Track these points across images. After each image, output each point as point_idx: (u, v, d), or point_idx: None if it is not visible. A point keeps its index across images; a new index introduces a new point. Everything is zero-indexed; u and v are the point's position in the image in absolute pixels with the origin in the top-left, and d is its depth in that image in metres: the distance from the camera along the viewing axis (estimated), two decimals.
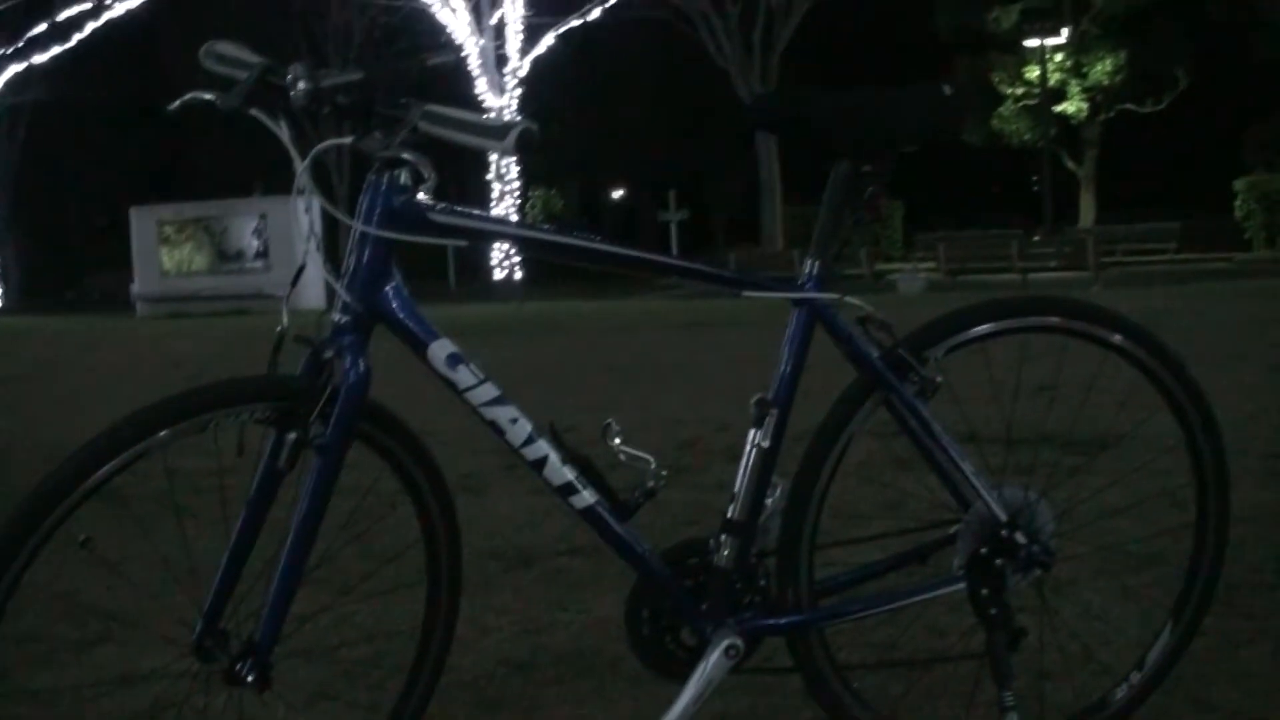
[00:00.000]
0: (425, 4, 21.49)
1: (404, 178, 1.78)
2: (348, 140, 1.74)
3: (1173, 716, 2.40)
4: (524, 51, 21.95)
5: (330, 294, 1.83)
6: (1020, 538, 2.09)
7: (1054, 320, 2.14)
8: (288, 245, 24.02)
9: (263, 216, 25.08)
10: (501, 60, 21.81)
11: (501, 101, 22.01)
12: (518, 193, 23.85)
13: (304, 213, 1.78)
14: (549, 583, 3.58)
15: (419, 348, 1.87)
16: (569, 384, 8.74)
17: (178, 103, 1.88)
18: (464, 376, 1.89)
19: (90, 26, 27.78)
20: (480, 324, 14.99)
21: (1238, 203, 32.97)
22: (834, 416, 2.05)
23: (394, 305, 1.85)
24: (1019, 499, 2.12)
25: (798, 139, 2.03)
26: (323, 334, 1.83)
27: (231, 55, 1.87)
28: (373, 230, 1.79)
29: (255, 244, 25.01)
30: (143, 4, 27.55)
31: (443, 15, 21.56)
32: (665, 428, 6.26)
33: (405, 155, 1.69)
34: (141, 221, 26.08)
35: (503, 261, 22.57)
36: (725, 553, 2.03)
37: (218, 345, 14.72)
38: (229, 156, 33.44)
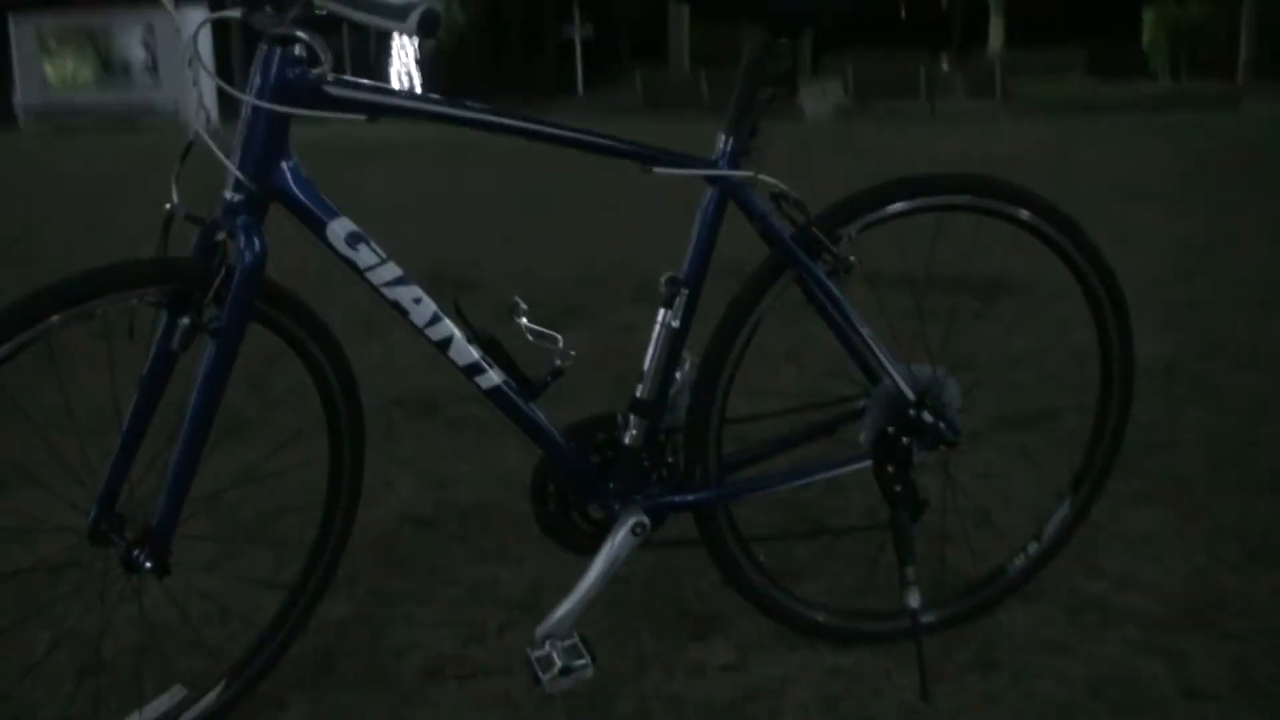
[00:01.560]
0: None
1: (299, 50, 1.67)
2: (236, 14, 1.62)
3: (1066, 579, 2.47)
4: None
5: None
6: (927, 417, 2.09)
7: (966, 198, 2.11)
8: (177, 57, 23.14)
9: (149, 26, 23.95)
10: None
11: None
12: None
13: (193, 85, 1.67)
14: (453, 432, 3.55)
15: (318, 227, 1.79)
16: (479, 214, 8.62)
17: None
18: (365, 256, 1.81)
19: None
20: (387, 143, 14.62)
21: (1145, 32, 33.01)
22: (745, 294, 2.02)
23: (290, 182, 1.76)
24: (928, 376, 2.12)
25: (714, 10, 1.95)
26: (215, 212, 1.74)
27: None
28: (264, 105, 1.69)
29: (143, 55, 23.97)
30: None
31: None
32: (573, 264, 6.22)
33: (299, 34, 1.58)
34: (20, 30, 24.81)
35: None
36: (633, 431, 2.01)
37: (110, 166, 14.25)
38: None
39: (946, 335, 2.27)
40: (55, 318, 1.62)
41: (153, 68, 23.98)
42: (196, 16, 1.76)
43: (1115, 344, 2.23)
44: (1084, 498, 2.31)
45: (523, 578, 2.58)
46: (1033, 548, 2.33)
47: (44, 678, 2.16)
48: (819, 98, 22.87)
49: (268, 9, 1.61)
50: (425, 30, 1.53)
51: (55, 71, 24.89)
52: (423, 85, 22.46)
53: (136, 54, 24.06)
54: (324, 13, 1.58)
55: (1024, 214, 2.13)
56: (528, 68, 34.87)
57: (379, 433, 3.34)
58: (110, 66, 24.38)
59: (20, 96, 25.13)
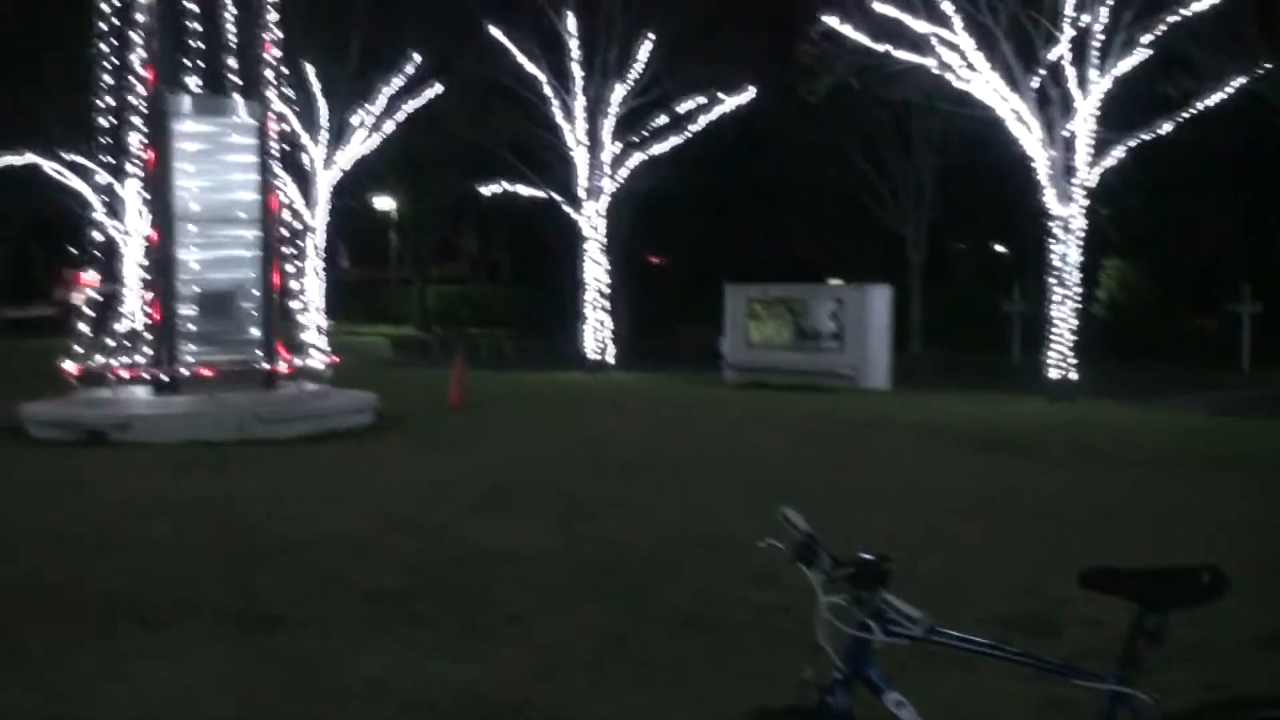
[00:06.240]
0: (1000, 118, 22.93)
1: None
2: (842, 601, 3.34)
3: None
4: (1092, 164, 22.60)
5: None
6: None
7: None
8: (860, 329, 26.50)
9: (839, 301, 27.62)
10: (1069, 171, 22.66)
11: (1068, 211, 22.82)
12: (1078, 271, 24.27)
13: (823, 618, 3.37)
14: None
15: (878, 694, 3.45)
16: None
17: (764, 543, 3.54)
18: (904, 712, 3.42)
19: (703, 120, 31.68)
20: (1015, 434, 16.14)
21: None
22: None
23: (868, 673, 3.44)
24: None
25: (1125, 598, 3.40)
26: (827, 682, 3.42)
27: (792, 519, 3.51)
28: (850, 630, 3.36)
29: (831, 326, 27.47)
30: (745, 104, 31.26)
31: (1016, 128, 22.75)
32: None
33: (870, 622, 3.27)
34: (734, 298, 29.41)
35: (1060, 362, 23.32)
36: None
37: (790, 440, 16.89)
38: (806, 243, 37.71)
39: None
40: None
41: (839, 336, 27.28)
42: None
43: None
44: None
45: None
46: None
47: None
48: None
49: (856, 604, 3.31)
50: (927, 635, 3.16)
51: (758, 332, 28.93)
52: (1088, 344, 23.94)
53: (826, 324, 27.61)
54: (884, 604, 3.25)
55: None
56: (1197, 333, 35.31)
57: None
58: (804, 332, 27.99)
59: (729, 352, 29.46)
